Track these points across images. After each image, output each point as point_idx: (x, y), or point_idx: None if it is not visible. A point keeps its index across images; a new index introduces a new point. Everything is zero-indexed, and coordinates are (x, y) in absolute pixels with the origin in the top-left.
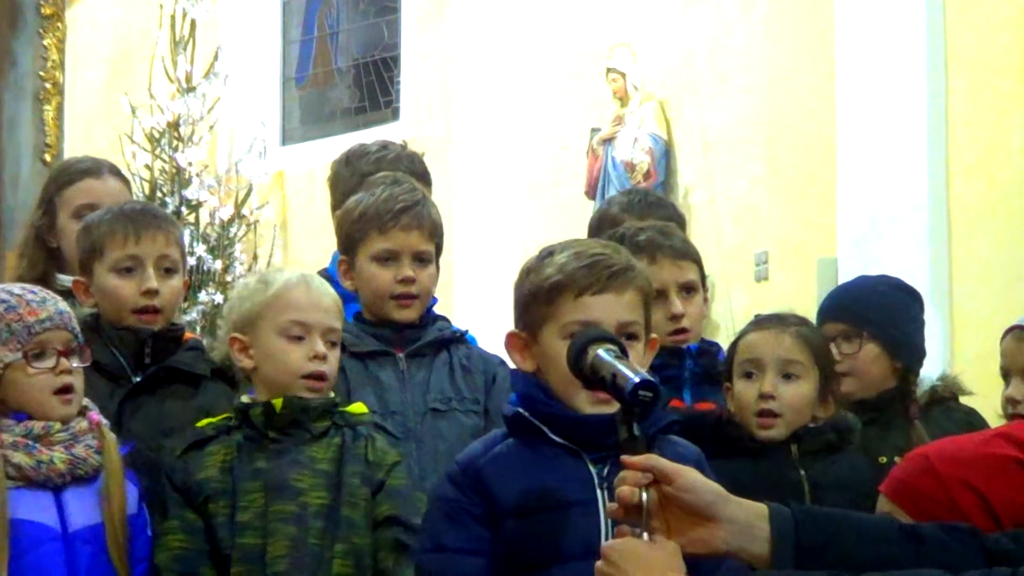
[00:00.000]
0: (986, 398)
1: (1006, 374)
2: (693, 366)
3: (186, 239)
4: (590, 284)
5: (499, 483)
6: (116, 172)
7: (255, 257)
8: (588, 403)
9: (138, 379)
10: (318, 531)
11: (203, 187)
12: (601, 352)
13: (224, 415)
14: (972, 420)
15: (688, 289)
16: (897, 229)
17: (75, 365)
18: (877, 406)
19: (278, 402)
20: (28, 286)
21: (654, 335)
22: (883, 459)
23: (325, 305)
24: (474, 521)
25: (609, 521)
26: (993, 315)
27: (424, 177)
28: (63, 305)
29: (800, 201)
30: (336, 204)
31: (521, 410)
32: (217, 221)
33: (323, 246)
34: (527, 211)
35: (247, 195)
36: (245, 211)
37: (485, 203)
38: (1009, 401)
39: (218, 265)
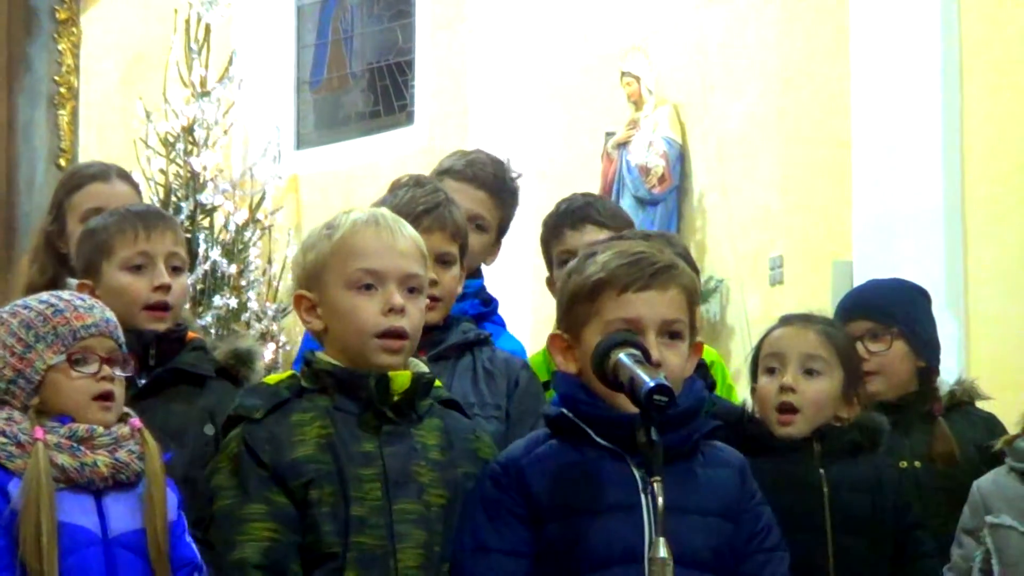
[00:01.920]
0: (1001, 401)
1: None
2: None
3: (201, 243)
4: (633, 281)
5: (540, 484)
6: (125, 176)
7: (270, 261)
8: (629, 403)
9: (143, 381)
10: (441, 538)
11: (218, 191)
12: (622, 356)
13: (289, 373)
14: (991, 425)
15: None
16: (912, 232)
17: (117, 373)
18: (898, 408)
19: (403, 375)
20: (77, 293)
21: (700, 339)
22: (904, 463)
23: (401, 247)
24: (517, 521)
25: (652, 526)
26: (1008, 318)
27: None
28: (110, 314)
29: (815, 204)
30: None
31: (565, 411)
32: (232, 225)
33: None
34: (542, 214)
35: (261, 199)
36: (260, 215)
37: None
38: None
39: (233, 269)
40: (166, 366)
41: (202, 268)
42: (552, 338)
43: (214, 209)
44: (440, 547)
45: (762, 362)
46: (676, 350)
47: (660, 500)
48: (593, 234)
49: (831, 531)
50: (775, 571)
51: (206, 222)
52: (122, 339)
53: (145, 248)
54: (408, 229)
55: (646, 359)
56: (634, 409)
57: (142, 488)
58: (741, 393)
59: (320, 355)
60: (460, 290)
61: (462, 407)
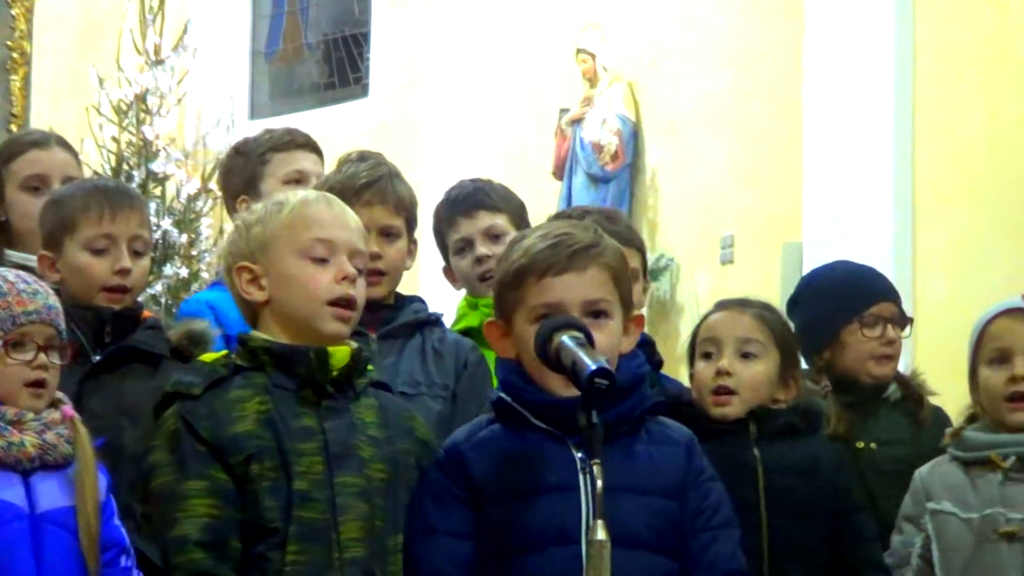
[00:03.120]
0: (947, 384)
1: (1004, 357)
2: None
3: (152, 213)
4: (551, 265)
5: (481, 468)
6: (64, 144)
7: (221, 231)
8: (561, 386)
9: (97, 358)
10: (382, 512)
11: (170, 160)
12: (565, 339)
13: (224, 352)
14: (940, 418)
15: None
16: (862, 215)
17: (54, 361)
18: (860, 390)
19: (342, 351)
20: (24, 275)
21: (639, 312)
22: (860, 444)
23: (351, 223)
24: (460, 504)
25: (590, 507)
26: (955, 302)
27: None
28: (53, 300)
29: (766, 185)
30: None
31: (503, 395)
32: (184, 195)
33: None
34: None
35: (214, 169)
36: (212, 185)
37: (453, 181)
38: (1014, 380)
39: (184, 239)
40: (121, 344)
41: (153, 237)
42: (488, 325)
43: (166, 178)
44: (382, 521)
45: (699, 347)
46: (603, 330)
47: (599, 483)
48: (487, 219)
49: (765, 514)
50: (722, 549)
51: (158, 191)
52: (63, 326)
53: (109, 230)
54: (351, 210)
55: (589, 341)
56: (569, 392)
57: (71, 470)
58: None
59: (255, 334)
60: (410, 264)
61: (392, 389)
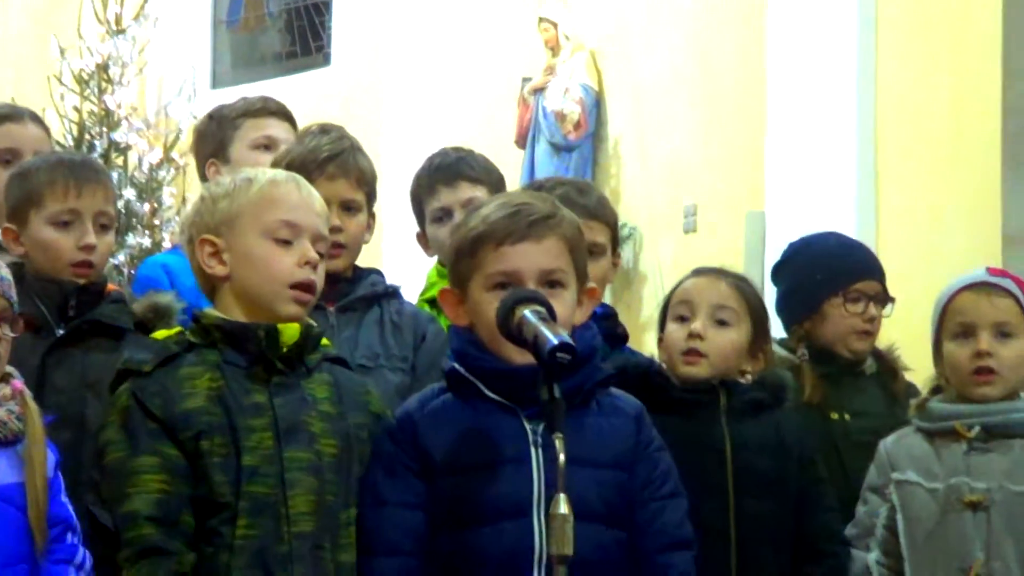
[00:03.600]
0: (910, 353)
1: (968, 331)
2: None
3: (115, 182)
4: (509, 233)
5: (432, 439)
6: (37, 119)
7: (184, 200)
8: (517, 353)
9: (61, 332)
10: (333, 486)
11: (132, 130)
12: (527, 313)
13: (177, 329)
14: (911, 392)
15: (591, 251)
16: (825, 186)
17: (5, 333)
18: (837, 361)
19: (292, 327)
20: None
21: (593, 284)
22: (834, 415)
23: (316, 208)
24: (411, 475)
25: (542, 480)
26: (917, 268)
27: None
28: (5, 272)
29: (729, 154)
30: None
31: (456, 365)
32: (146, 164)
33: None
34: None
35: (176, 138)
36: (174, 154)
37: (415, 150)
38: (979, 355)
39: (146, 208)
40: (85, 317)
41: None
42: (443, 293)
43: (128, 148)
44: (333, 496)
45: (672, 310)
46: (558, 299)
47: (562, 457)
48: (467, 190)
49: (732, 492)
50: (670, 518)
51: (120, 161)
52: (14, 298)
53: (75, 205)
54: (319, 195)
55: (551, 315)
56: (524, 359)
57: (20, 447)
58: (650, 342)
59: (208, 311)
60: (369, 237)
61: (349, 364)
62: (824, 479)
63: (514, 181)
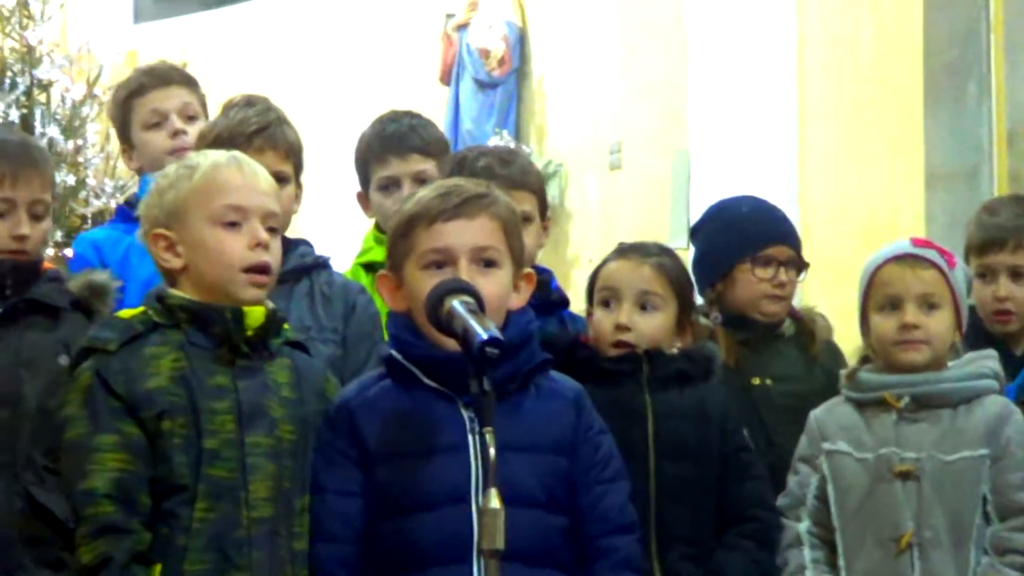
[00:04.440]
0: (833, 294)
1: (894, 303)
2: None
3: (37, 120)
4: (442, 211)
5: (369, 427)
6: None
7: (107, 137)
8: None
9: None
10: (291, 473)
11: (54, 66)
12: (456, 304)
13: (140, 308)
14: (833, 351)
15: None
16: (748, 123)
17: None
18: (755, 327)
19: (257, 311)
20: None
21: (529, 269)
22: (756, 380)
23: (262, 186)
24: (349, 463)
25: (479, 467)
26: (838, 207)
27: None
28: None
29: (653, 92)
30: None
31: (394, 352)
32: (69, 101)
33: None
34: (380, 97)
35: (99, 74)
36: (97, 91)
37: (338, 87)
38: (905, 327)
39: (70, 146)
40: (21, 296)
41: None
42: (380, 277)
43: (50, 84)
44: (290, 482)
45: (597, 293)
46: (491, 278)
47: (492, 451)
48: (418, 163)
49: (654, 458)
50: (613, 502)
51: (42, 98)
52: None
53: (9, 195)
54: (262, 169)
55: (479, 306)
56: (454, 345)
57: None
58: (577, 279)
59: (173, 291)
60: (297, 208)
61: (308, 349)
62: (748, 447)
63: (439, 118)
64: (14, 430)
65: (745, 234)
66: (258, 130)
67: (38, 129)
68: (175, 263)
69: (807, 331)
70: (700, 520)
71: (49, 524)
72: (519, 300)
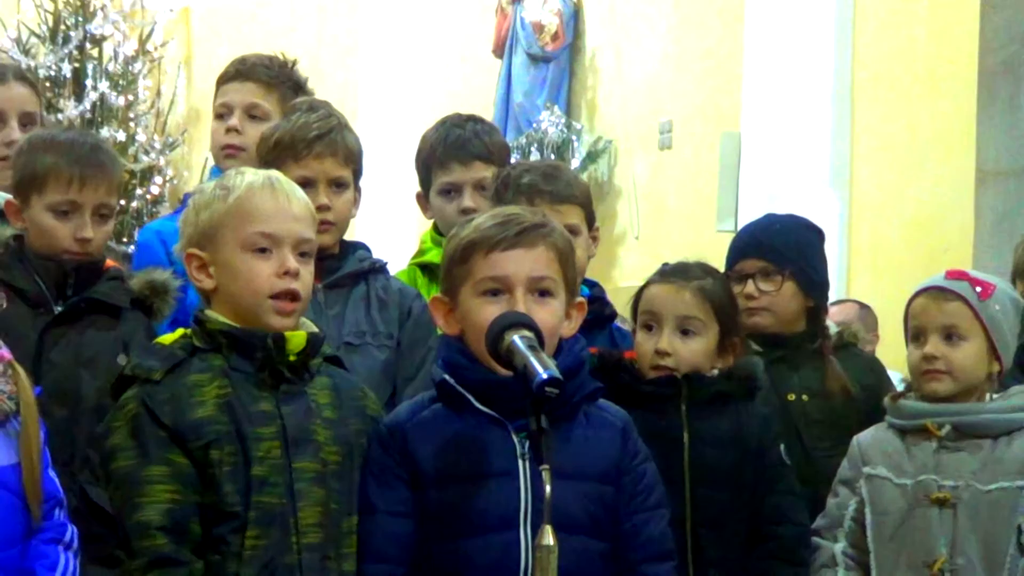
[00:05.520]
0: (878, 283)
1: (918, 334)
2: None
3: (89, 74)
4: (501, 239)
5: (422, 449)
6: (23, 77)
7: (159, 93)
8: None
9: (59, 309)
10: (337, 496)
11: (108, 21)
12: (516, 339)
13: (180, 332)
14: (874, 365)
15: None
16: (800, 108)
17: None
18: (788, 344)
19: (299, 335)
20: None
21: (581, 299)
22: (791, 396)
23: (295, 212)
24: (401, 483)
25: (529, 494)
26: (890, 194)
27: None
28: None
29: (706, 73)
30: None
31: (447, 376)
32: (121, 57)
33: None
34: (435, 69)
35: (151, 31)
36: (149, 47)
37: (393, 61)
38: (926, 359)
39: (121, 102)
40: (82, 295)
41: (90, 99)
42: (434, 301)
43: (103, 39)
44: (337, 504)
45: (640, 316)
46: (546, 308)
47: (548, 488)
48: (481, 171)
49: (689, 484)
50: (655, 529)
51: (95, 52)
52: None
53: (76, 198)
54: (299, 192)
55: (539, 342)
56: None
57: (11, 425)
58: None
59: (211, 314)
60: (355, 213)
61: (343, 363)
62: (781, 464)
63: (491, 89)
64: (72, 429)
65: (727, 257)
66: (319, 136)
67: (89, 83)
68: (207, 284)
69: (841, 344)
70: (734, 544)
71: (104, 522)
72: (570, 329)
